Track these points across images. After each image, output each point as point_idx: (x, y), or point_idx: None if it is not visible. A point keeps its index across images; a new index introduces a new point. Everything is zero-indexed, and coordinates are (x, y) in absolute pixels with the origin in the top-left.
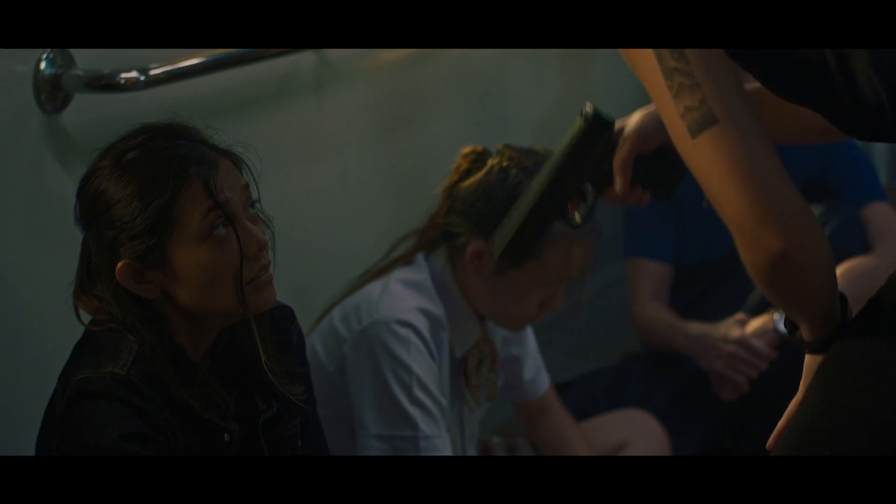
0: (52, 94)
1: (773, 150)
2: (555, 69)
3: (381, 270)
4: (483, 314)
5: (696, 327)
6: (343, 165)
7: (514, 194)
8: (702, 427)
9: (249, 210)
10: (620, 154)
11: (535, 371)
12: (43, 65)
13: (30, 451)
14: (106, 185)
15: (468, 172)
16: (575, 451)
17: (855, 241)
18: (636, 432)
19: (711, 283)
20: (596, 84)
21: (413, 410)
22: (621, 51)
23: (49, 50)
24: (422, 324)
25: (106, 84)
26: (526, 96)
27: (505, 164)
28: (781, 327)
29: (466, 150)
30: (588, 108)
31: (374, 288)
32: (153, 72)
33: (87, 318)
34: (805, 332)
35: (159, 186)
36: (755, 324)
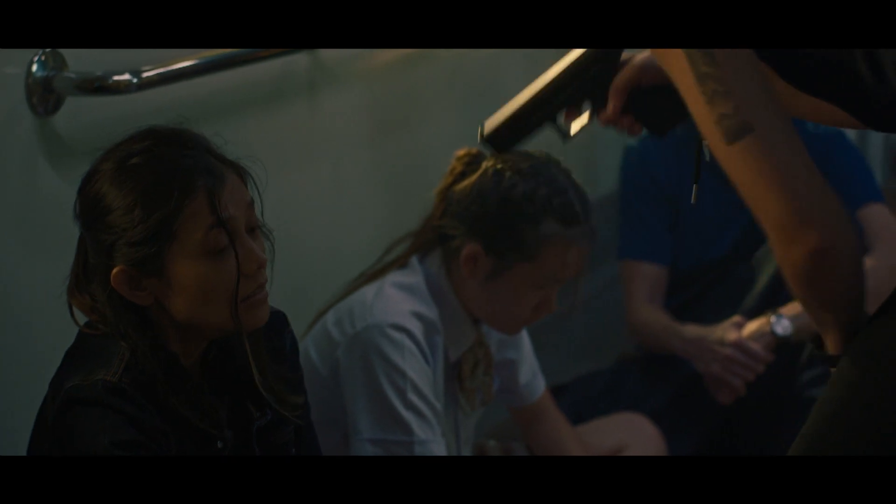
0: (44, 97)
1: (805, 151)
2: None
3: (375, 273)
4: (478, 317)
5: (692, 330)
6: (337, 168)
7: (509, 197)
8: (698, 430)
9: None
10: (619, 79)
11: (531, 375)
12: (35, 67)
13: (23, 453)
14: (107, 190)
15: (463, 175)
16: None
17: None
18: (632, 436)
19: (707, 285)
20: None
21: (407, 415)
22: (654, 51)
23: (41, 52)
24: (416, 328)
25: (98, 86)
26: None
27: (499, 166)
28: (778, 330)
29: (461, 152)
30: None
31: (369, 291)
32: (146, 74)
33: (81, 318)
34: (832, 344)
35: (163, 197)
36: (752, 327)
